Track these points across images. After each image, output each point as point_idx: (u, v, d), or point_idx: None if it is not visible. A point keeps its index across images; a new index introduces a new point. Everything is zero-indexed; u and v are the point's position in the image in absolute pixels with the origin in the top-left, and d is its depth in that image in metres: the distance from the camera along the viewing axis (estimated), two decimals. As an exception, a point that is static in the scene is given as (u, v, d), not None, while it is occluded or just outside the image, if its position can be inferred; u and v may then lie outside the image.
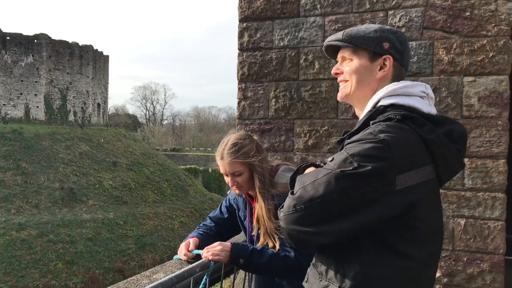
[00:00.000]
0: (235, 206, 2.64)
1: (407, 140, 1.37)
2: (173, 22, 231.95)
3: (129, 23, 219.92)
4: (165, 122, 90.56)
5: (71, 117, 42.76)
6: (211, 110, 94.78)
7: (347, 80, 1.62)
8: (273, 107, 3.56)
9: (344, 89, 1.63)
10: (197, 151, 62.51)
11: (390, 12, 3.28)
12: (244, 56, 3.67)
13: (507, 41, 3.04)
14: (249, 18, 3.66)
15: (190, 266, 2.20)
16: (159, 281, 1.93)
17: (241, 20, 3.69)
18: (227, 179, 2.40)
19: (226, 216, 2.70)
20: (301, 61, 3.50)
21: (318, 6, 3.46)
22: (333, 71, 1.67)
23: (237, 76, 3.69)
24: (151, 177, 37.87)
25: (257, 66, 3.62)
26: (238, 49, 3.70)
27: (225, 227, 2.70)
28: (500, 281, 3.05)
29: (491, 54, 3.05)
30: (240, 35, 3.69)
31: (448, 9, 3.13)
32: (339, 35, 1.63)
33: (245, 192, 2.42)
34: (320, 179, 1.36)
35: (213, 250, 2.26)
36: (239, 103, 3.69)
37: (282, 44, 3.56)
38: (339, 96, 1.68)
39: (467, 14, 3.10)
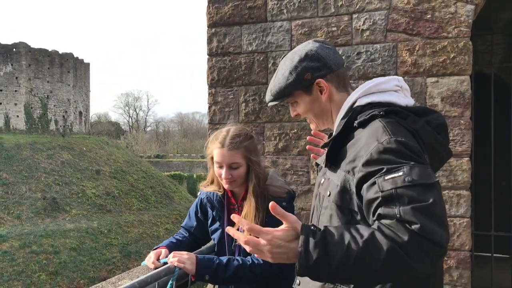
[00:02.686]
0: (208, 205, 2.51)
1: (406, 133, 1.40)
2: (156, 29, 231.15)
3: (111, 31, 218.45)
4: (148, 129, 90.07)
5: (52, 126, 42.29)
6: (195, 115, 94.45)
7: (308, 117, 1.69)
8: (243, 111, 3.59)
9: (312, 124, 1.71)
10: (181, 157, 62.21)
11: (355, 16, 3.34)
12: (214, 61, 3.69)
13: (467, 42, 3.11)
14: (217, 23, 3.69)
15: (155, 271, 2.20)
16: (121, 287, 1.93)
17: (209, 26, 3.71)
18: (219, 172, 2.28)
19: (198, 222, 2.60)
20: (269, 65, 3.54)
21: (285, 11, 3.50)
22: (292, 114, 1.73)
23: (207, 81, 3.72)
24: (135, 184, 37.61)
25: (227, 71, 3.65)
26: (208, 54, 3.72)
27: (200, 234, 2.62)
28: (466, 277, 3.12)
29: (452, 55, 3.12)
30: (209, 41, 3.71)
31: (410, 12, 3.20)
32: (269, 95, 1.70)
33: (234, 188, 2.33)
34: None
35: (180, 257, 2.22)
36: (209, 108, 3.71)
37: (250, 49, 3.60)
38: (313, 129, 1.77)
39: (428, 16, 3.17)
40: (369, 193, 1.31)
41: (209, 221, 2.55)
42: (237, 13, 3.63)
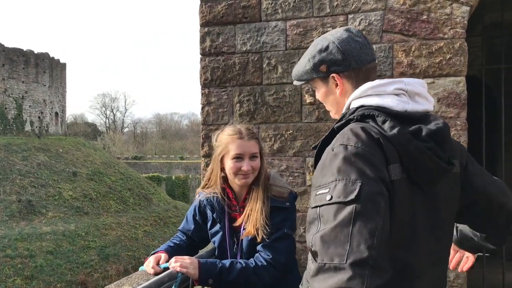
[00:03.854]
0: (208, 208, 2.46)
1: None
2: (133, 29, 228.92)
3: (87, 31, 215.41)
4: (126, 130, 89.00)
5: (27, 127, 41.37)
6: (173, 116, 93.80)
7: (325, 105, 1.70)
8: (237, 112, 3.54)
9: (331, 112, 1.70)
10: (160, 159, 61.67)
11: (350, 16, 3.33)
12: (207, 61, 3.64)
13: (463, 43, 3.13)
14: (210, 22, 3.63)
15: (158, 277, 2.14)
16: (126, 294, 1.86)
17: (202, 25, 3.65)
18: (237, 165, 2.27)
19: (195, 225, 2.53)
20: (264, 66, 3.50)
21: (280, 10, 3.47)
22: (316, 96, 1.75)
23: (200, 81, 3.65)
24: (112, 186, 37.09)
25: (220, 71, 3.60)
26: (200, 54, 3.66)
27: (198, 238, 2.56)
28: (463, 277, 3.13)
29: (448, 56, 3.13)
30: (202, 40, 3.65)
31: (406, 12, 3.21)
32: (292, 76, 1.73)
33: (248, 183, 2.32)
34: None
35: (182, 261, 2.18)
36: (203, 108, 3.65)
37: (244, 48, 3.55)
38: (332, 115, 1.72)
39: (424, 17, 3.18)
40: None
41: (209, 224, 2.49)
42: (231, 12, 3.58)
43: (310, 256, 1.32)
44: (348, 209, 1.20)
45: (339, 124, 1.44)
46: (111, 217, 33.71)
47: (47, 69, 43.88)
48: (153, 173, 49.99)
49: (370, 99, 1.47)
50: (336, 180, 1.26)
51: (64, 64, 48.55)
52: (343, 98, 1.58)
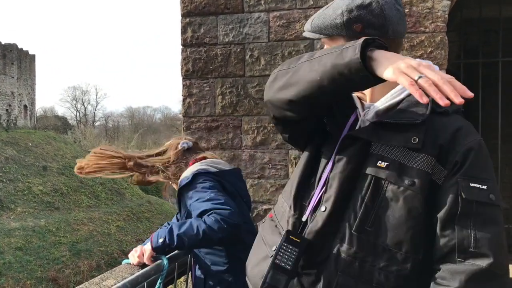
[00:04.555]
0: None
1: None
2: (103, 20, 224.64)
3: (58, 20, 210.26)
4: (97, 123, 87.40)
5: (-5, 120, 40.23)
6: (146, 110, 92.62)
7: None
8: (219, 104, 3.51)
9: None
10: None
11: (333, 9, 3.32)
12: (188, 52, 3.58)
13: (443, 37, 3.17)
14: (192, 13, 3.57)
15: (144, 270, 2.10)
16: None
17: (183, 15, 3.59)
18: None
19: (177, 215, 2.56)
20: (246, 57, 3.48)
21: (262, 1, 3.44)
22: None
23: (181, 72, 3.60)
24: (84, 181, 36.39)
25: (202, 62, 3.55)
26: (182, 45, 3.60)
27: None
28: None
29: (429, 50, 3.17)
30: (183, 30, 3.60)
31: (388, 6, 3.23)
32: (308, 24, 1.46)
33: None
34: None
35: (135, 253, 2.20)
36: (184, 100, 3.60)
37: (227, 40, 3.51)
38: None
39: (406, 11, 3.20)
40: (447, 190, 1.25)
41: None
42: (213, 2, 3.53)
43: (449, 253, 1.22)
44: (501, 214, 1.22)
45: (453, 109, 1.29)
46: (83, 212, 33.17)
47: (15, 61, 42.69)
48: (126, 167, 49.30)
49: None
50: (492, 180, 1.22)
51: (33, 56, 47.30)
52: None
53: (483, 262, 1.15)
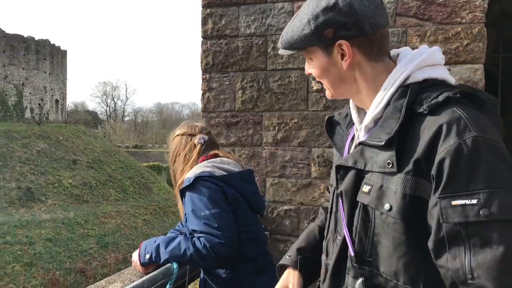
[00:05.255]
0: None
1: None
2: (136, 17, 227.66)
3: (90, 17, 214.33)
4: (126, 118, 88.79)
5: (27, 114, 41.25)
6: (174, 106, 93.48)
7: (323, 82, 1.34)
8: (239, 99, 3.35)
9: (327, 91, 1.36)
10: (160, 148, 61.48)
11: (362, -2, 3.12)
12: (208, 45, 3.44)
13: (482, 28, 2.93)
14: (213, 3, 3.42)
15: (150, 274, 1.97)
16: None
17: (204, 6, 3.45)
18: None
19: None
20: (269, 50, 3.31)
21: (286, -9, 3.27)
22: (306, 71, 1.38)
23: (201, 66, 3.46)
24: (112, 174, 36.99)
25: (222, 55, 3.40)
26: (202, 37, 3.46)
27: None
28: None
29: (465, 42, 2.94)
30: (204, 22, 3.45)
31: (421, -5, 3.00)
32: (279, 42, 1.33)
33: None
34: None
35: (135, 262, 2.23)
36: (203, 94, 3.46)
37: (248, 31, 3.35)
38: (327, 95, 1.38)
39: (440, 0, 2.98)
40: (430, 214, 1.05)
41: None
42: (235, -8, 3.37)
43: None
44: (505, 229, 0.95)
45: (431, 104, 1.09)
46: (111, 206, 33.68)
47: (48, 56, 43.63)
48: (153, 162, 49.84)
49: (432, 71, 1.19)
50: (489, 189, 0.97)
51: (65, 51, 48.27)
52: (351, 72, 1.25)
53: None
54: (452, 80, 1.21)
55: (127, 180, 37.39)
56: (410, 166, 1.08)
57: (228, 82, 3.39)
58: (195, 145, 2.33)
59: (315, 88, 3.21)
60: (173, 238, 2.11)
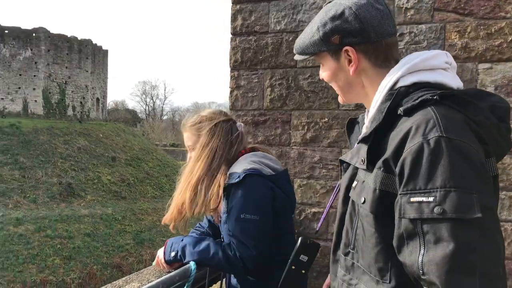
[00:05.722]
0: None
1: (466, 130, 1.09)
2: (175, 17, 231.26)
3: (130, 17, 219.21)
4: (165, 117, 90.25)
5: (69, 112, 42.51)
6: (211, 105, 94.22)
7: (333, 86, 1.45)
8: (268, 97, 3.26)
9: (339, 96, 1.46)
10: (197, 147, 62.07)
11: (398, -7, 2.97)
12: (237, 41, 3.36)
13: (528, 23, 2.73)
14: (243, -1, 3.35)
15: (167, 275, 1.91)
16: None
17: (234, 2, 3.38)
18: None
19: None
20: (299, 47, 3.20)
21: (318, -14, 3.15)
22: (320, 76, 1.47)
23: (230, 63, 3.39)
24: (150, 172, 37.65)
25: (251, 52, 3.32)
26: (231, 34, 3.39)
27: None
28: (517, 289, 2.76)
29: (510, 38, 2.74)
30: (233, 18, 3.38)
31: (462, -12, 2.83)
32: (294, 47, 1.45)
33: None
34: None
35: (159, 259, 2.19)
36: (231, 92, 3.39)
37: (278, 27, 3.26)
38: (339, 100, 1.49)
39: (483, -7, 2.79)
40: (395, 211, 1.11)
41: None
42: (265, -12, 3.28)
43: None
44: (471, 229, 0.97)
45: (407, 107, 1.15)
46: (148, 203, 34.26)
47: (90, 55, 44.84)
48: (190, 160, 50.33)
49: (424, 74, 1.23)
50: (445, 187, 1.00)
51: (106, 51, 49.47)
52: (358, 78, 1.34)
53: None
54: (454, 84, 1.23)
55: (163, 177, 37.97)
56: (381, 163, 1.14)
57: (256, 80, 3.30)
58: (238, 135, 2.17)
59: (346, 86, 3.08)
60: (202, 239, 2.06)
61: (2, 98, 39.44)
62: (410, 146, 1.06)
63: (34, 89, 40.15)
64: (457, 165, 1.01)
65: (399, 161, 1.07)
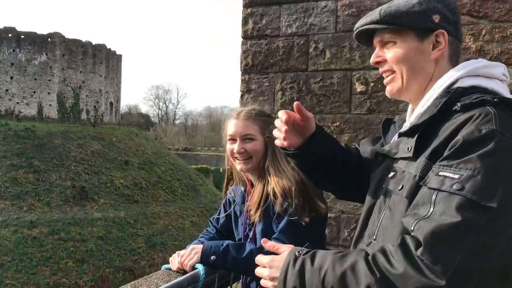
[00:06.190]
0: (231, 200, 2.26)
1: None
2: (188, 22, 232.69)
3: (144, 23, 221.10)
4: (177, 121, 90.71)
5: (83, 116, 42.93)
6: (223, 109, 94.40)
7: (394, 71, 1.33)
8: (279, 100, 3.24)
9: (394, 83, 1.35)
10: (209, 151, 62.34)
11: (411, -5, 2.93)
12: (248, 45, 3.35)
13: (545, 26, 2.68)
14: (254, 2, 3.34)
15: (176, 280, 1.89)
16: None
17: (245, 6, 3.37)
18: (231, 147, 2.04)
19: (225, 218, 2.32)
20: (310, 50, 3.18)
21: (330, -11, 3.13)
22: (373, 59, 1.38)
23: (240, 66, 3.38)
24: (162, 176, 37.78)
25: (262, 56, 3.30)
26: (242, 37, 3.38)
27: (226, 231, 2.34)
28: None
29: (526, 41, 2.69)
30: (244, 22, 3.37)
31: (477, -10, 2.78)
32: (374, 15, 1.33)
33: (250, 168, 2.05)
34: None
35: (184, 258, 2.02)
36: (242, 96, 3.38)
37: (289, 31, 3.24)
38: (388, 91, 1.38)
39: (498, -4, 2.75)
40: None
41: (233, 218, 2.26)
42: (276, -9, 3.27)
43: (397, 237, 1.08)
44: (479, 213, 0.97)
45: (465, 103, 1.14)
46: (160, 206, 34.37)
47: (104, 60, 45.29)
48: (202, 164, 50.58)
49: (483, 80, 1.23)
50: (474, 170, 1.01)
51: (120, 56, 49.91)
52: (434, 65, 1.30)
53: (417, 252, 0.98)
54: (507, 95, 1.21)
55: (176, 181, 38.07)
56: (428, 151, 1.14)
57: (267, 84, 3.28)
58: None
59: (358, 90, 3.05)
60: (243, 245, 1.97)
61: (18, 102, 39.96)
62: (462, 132, 1.07)
63: (48, 93, 40.63)
64: (499, 160, 1.01)
65: (450, 144, 1.08)
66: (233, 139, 2.05)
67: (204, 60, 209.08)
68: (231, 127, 2.06)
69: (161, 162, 39.75)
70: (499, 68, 1.27)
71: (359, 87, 3.05)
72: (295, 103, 1.46)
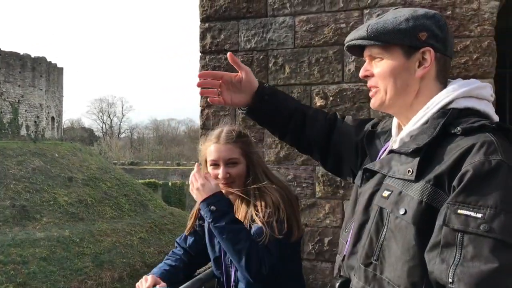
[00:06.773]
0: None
1: None
2: (131, 33, 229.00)
3: (86, 34, 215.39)
4: (122, 135, 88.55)
5: (23, 131, 40.99)
6: (170, 122, 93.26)
7: (378, 86, 1.37)
8: (240, 115, 3.23)
9: (378, 96, 1.37)
10: (156, 165, 61.20)
11: (366, 11, 3.02)
12: (207, 60, 3.33)
13: (491, 42, 2.84)
14: (211, 17, 3.32)
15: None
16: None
17: (202, 20, 3.35)
18: (215, 173, 2.04)
19: (194, 237, 2.29)
20: (270, 65, 3.19)
21: (288, 5, 3.17)
22: (361, 73, 1.41)
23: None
24: (108, 192, 36.65)
25: (222, 71, 3.28)
26: (200, 52, 3.35)
27: (195, 251, 2.30)
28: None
29: (475, 56, 2.84)
30: (202, 37, 3.34)
31: (428, 7, 2.90)
32: (362, 31, 1.35)
33: (232, 191, 2.06)
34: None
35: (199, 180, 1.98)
36: (202, 111, 3.34)
37: (249, 46, 3.24)
38: (373, 104, 1.41)
39: (448, 13, 2.88)
40: (437, 218, 1.11)
41: (206, 236, 2.22)
42: (234, 6, 3.27)
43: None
44: (503, 251, 1.00)
45: (466, 127, 1.17)
46: (106, 223, 33.29)
47: (44, 73, 43.55)
48: (150, 179, 49.48)
49: (477, 102, 1.27)
50: (496, 208, 1.02)
51: (61, 69, 48.23)
52: (420, 83, 1.31)
53: None
54: (495, 117, 1.27)
55: (122, 197, 37.05)
56: (431, 176, 1.14)
57: (228, 98, 3.27)
58: None
59: (318, 104, 3.09)
60: (240, 228, 1.93)
61: (-50, 119, 37.67)
62: (472, 162, 1.08)
63: (-16, 108, 38.56)
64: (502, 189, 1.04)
65: (459, 175, 1.08)
66: (216, 164, 2.06)
67: (149, 72, 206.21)
68: (212, 152, 2.06)
69: (106, 178, 38.56)
70: (489, 89, 1.31)
71: (318, 102, 3.10)
72: (228, 53, 1.64)
